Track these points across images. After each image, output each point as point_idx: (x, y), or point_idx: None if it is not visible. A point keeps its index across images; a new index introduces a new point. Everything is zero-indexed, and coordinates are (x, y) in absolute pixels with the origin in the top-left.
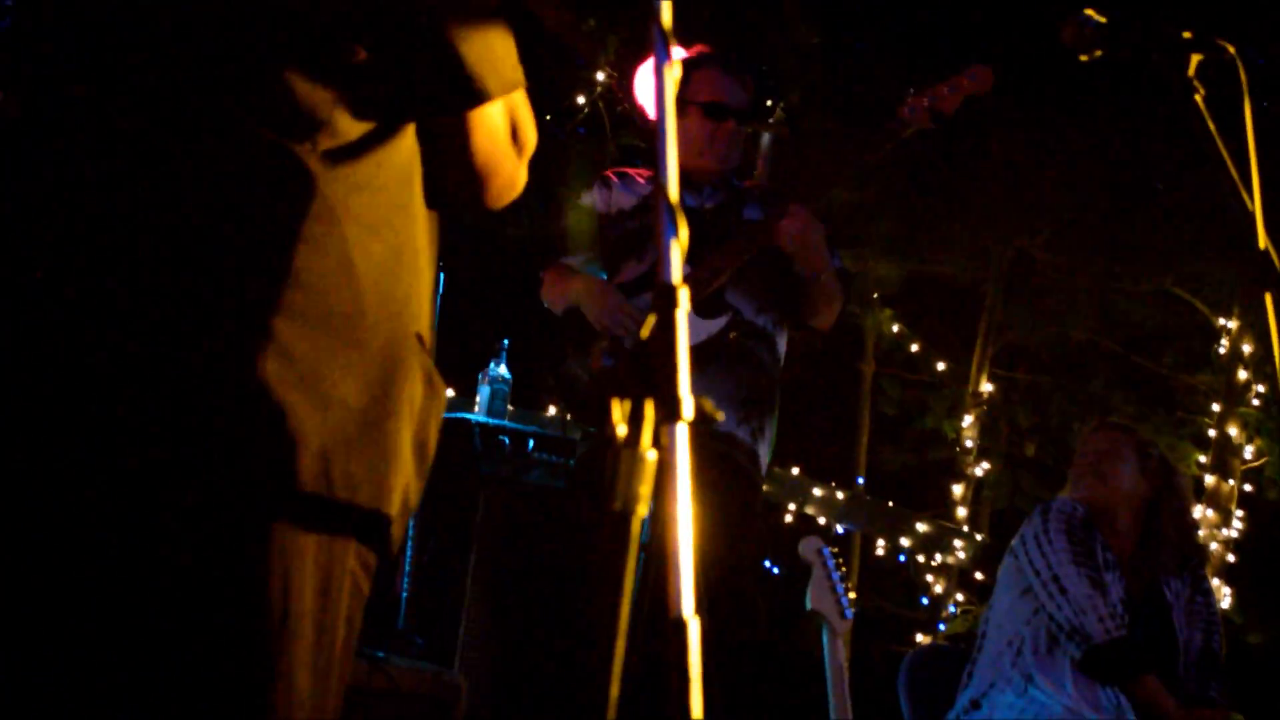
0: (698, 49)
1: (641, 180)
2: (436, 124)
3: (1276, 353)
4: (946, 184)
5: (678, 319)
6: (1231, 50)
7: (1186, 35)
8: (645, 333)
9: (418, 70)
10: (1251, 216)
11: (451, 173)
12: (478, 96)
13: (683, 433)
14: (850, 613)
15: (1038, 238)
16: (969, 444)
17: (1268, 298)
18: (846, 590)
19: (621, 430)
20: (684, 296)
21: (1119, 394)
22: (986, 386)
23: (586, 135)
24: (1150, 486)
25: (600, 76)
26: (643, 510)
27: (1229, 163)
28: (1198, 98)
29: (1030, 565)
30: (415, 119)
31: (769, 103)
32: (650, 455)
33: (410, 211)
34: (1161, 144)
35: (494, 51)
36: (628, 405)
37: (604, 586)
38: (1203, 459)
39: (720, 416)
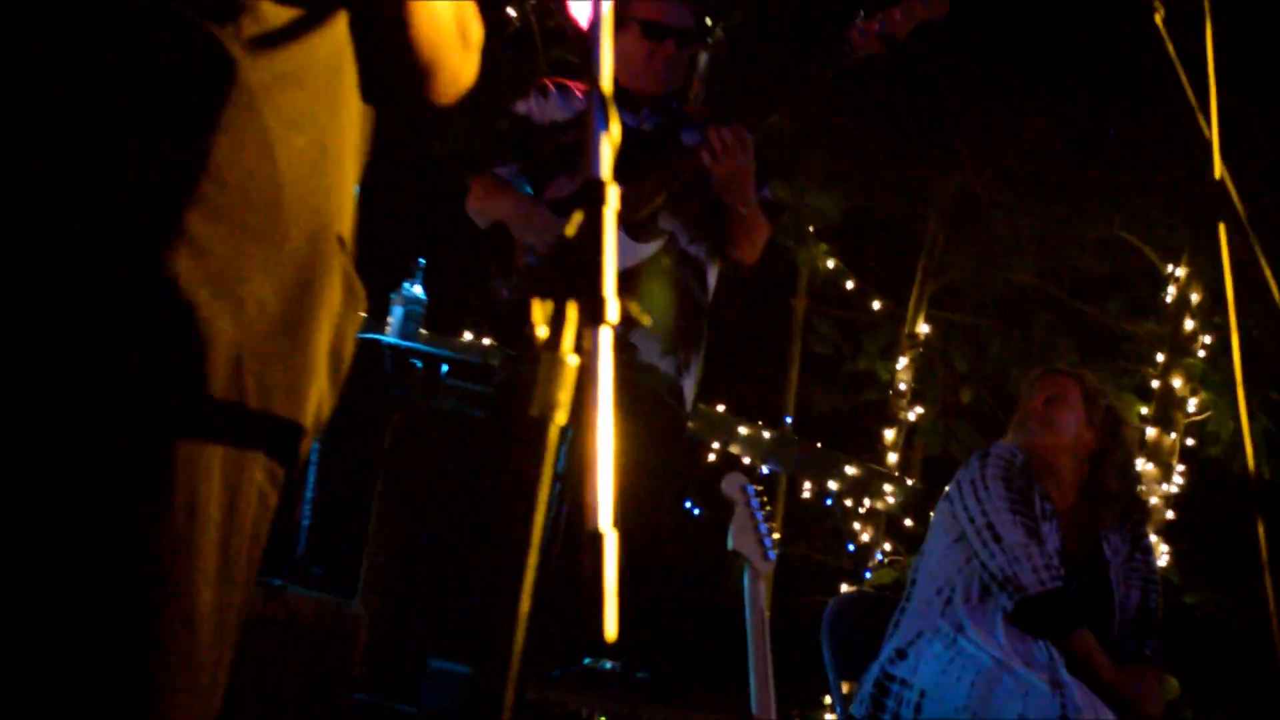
0: None
1: (580, 94)
2: (375, 12)
3: (1228, 287)
4: (889, 114)
5: (605, 216)
6: None
7: None
8: (570, 230)
9: None
10: (1208, 144)
11: (395, 65)
12: None
13: (607, 337)
14: (773, 554)
15: (982, 175)
16: (903, 387)
17: (1221, 228)
18: (770, 530)
19: (542, 332)
20: (613, 194)
21: (1061, 341)
22: (923, 328)
23: (517, 52)
24: (1096, 437)
25: None
26: (561, 418)
27: (1186, 87)
28: (1157, 17)
29: (965, 512)
30: (348, 6)
31: (709, 22)
32: (571, 359)
33: (338, 106)
34: (1115, 78)
35: None
36: (549, 306)
37: (518, 497)
38: (1145, 411)
39: (647, 321)
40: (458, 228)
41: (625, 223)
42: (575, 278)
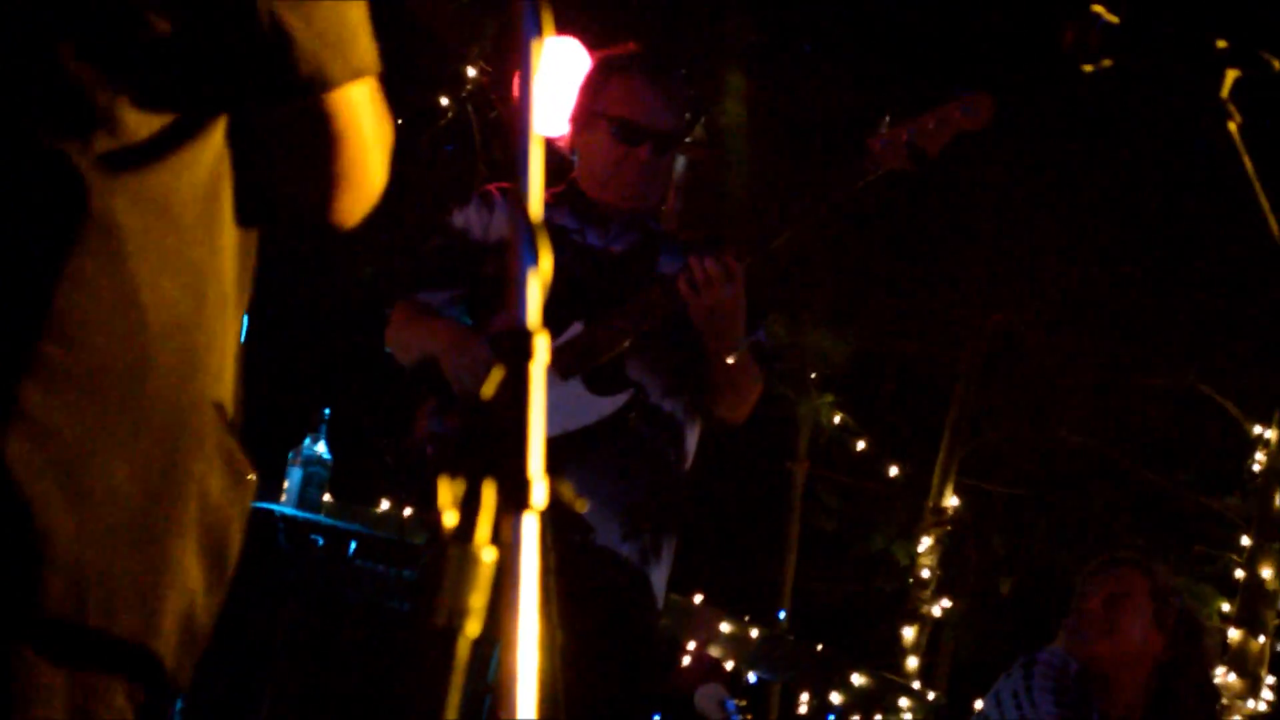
0: (626, 49)
1: None
2: (269, 117)
3: None
4: (911, 238)
5: (532, 374)
6: (1278, 66)
7: (1220, 45)
8: (489, 390)
9: (237, 47)
10: None
11: (295, 179)
12: (317, 82)
13: (531, 525)
14: None
15: (1025, 313)
16: (926, 574)
17: None
18: None
19: (450, 520)
20: (541, 346)
21: (1122, 518)
22: (952, 501)
23: (453, 150)
24: (1166, 645)
25: (470, 72)
26: (473, 628)
27: (1269, 213)
28: (1232, 125)
29: None
30: (229, 111)
31: (688, 116)
32: (486, 555)
33: (216, 238)
34: (1189, 196)
35: (343, 24)
36: (461, 486)
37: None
38: (1227, 608)
39: (582, 507)
40: (372, 369)
41: (584, 371)
42: (493, 451)
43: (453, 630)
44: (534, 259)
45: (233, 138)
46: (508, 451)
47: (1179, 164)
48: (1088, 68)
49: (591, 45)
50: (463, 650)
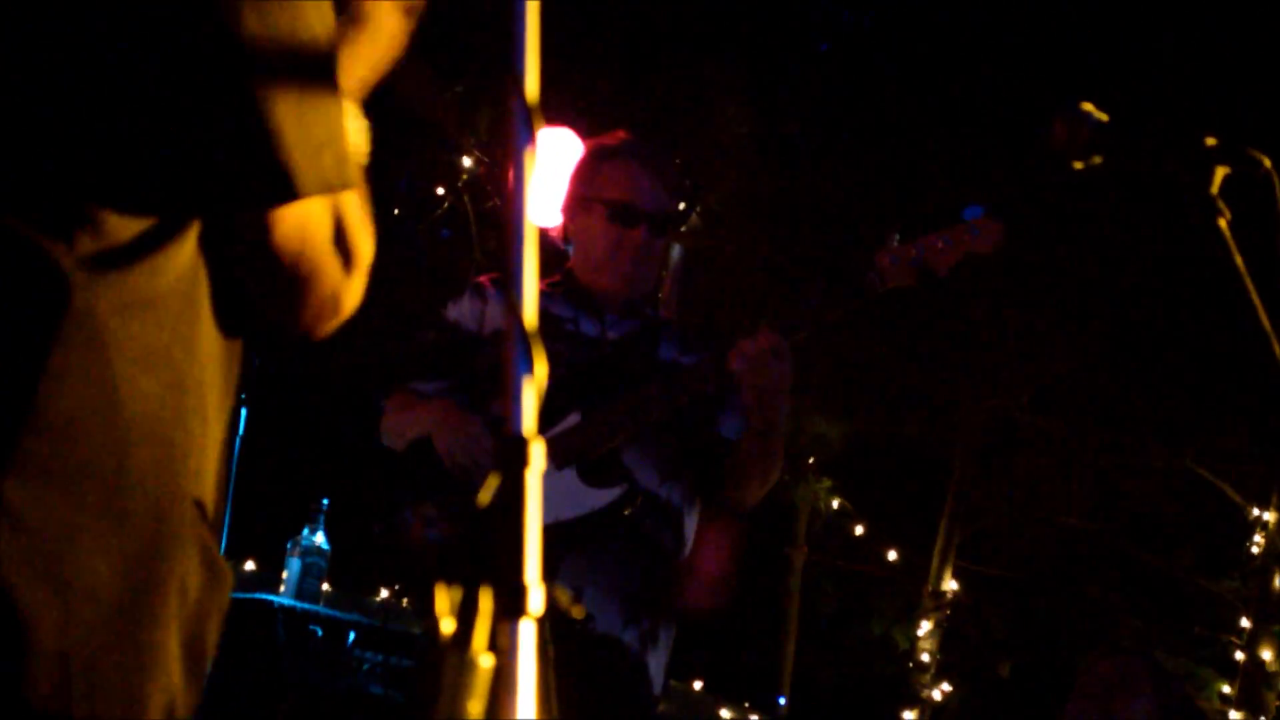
0: (618, 136)
1: None
2: (231, 224)
3: None
4: (908, 323)
5: (528, 482)
6: (1267, 164)
7: (1210, 142)
8: (484, 498)
9: (214, 151)
10: None
11: (255, 285)
12: (283, 192)
13: (528, 632)
14: None
15: (1021, 397)
16: (925, 658)
17: None
18: None
19: (447, 626)
20: (537, 453)
21: (1121, 601)
22: (951, 584)
23: (449, 236)
24: None
25: (466, 162)
26: None
27: (1259, 306)
28: (1222, 222)
29: None
30: (201, 216)
31: (682, 206)
32: (484, 661)
33: (195, 338)
34: (1184, 284)
35: (313, 139)
36: (458, 593)
37: None
38: (1227, 690)
39: (579, 613)
40: (370, 459)
41: (580, 462)
42: (489, 559)
43: None
44: (528, 365)
45: (206, 242)
46: (504, 558)
47: (1173, 252)
48: (1078, 165)
49: (584, 135)
50: None
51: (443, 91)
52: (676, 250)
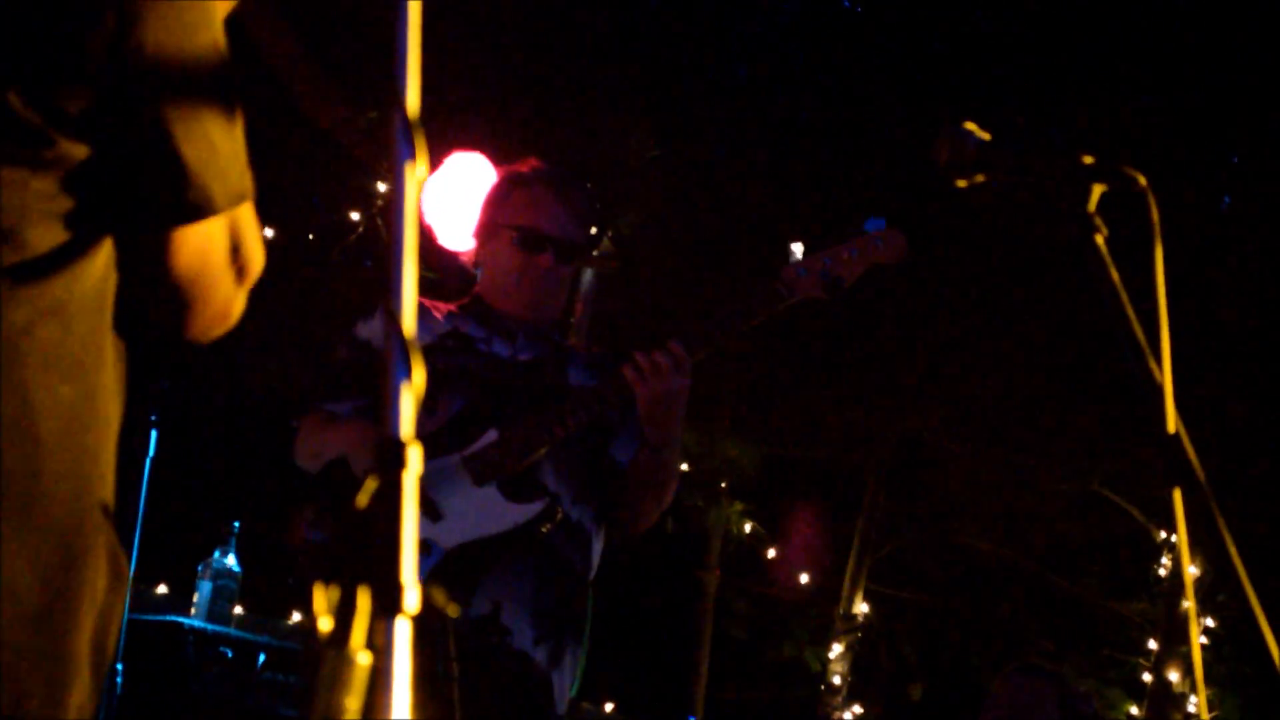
0: (529, 163)
1: (439, 315)
2: (139, 238)
3: (1184, 562)
4: (817, 348)
5: (405, 484)
6: (1143, 182)
7: (1087, 160)
8: (362, 500)
9: (131, 172)
10: (1160, 391)
11: (151, 295)
12: (201, 209)
13: (403, 630)
14: None
15: (930, 421)
16: (837, 680)
17: (1176, 495)
18: None
19: (325, 625)
20: (415, 456)
21: (1031, 623)
22: (862, 607)
23: (369, 265)
24: None
25: (381, 187)
26: None
27: (1133, 322)
28: (1099, 238)
29: None
30: (118, 232)
31: (594, 231)
32: (361, 658)
33: (102, 347)
34: (1090, 307)
35: (221, 153)
36: (336, 592)
37: None
38: (1135, 711)
39: (454, 611)
40: (282, 481)
41: (501, 477)
42: (366, 558)
43: None
44: (406, 371)
45: (117, 254)
46: (381, 558)
47: (1078, 276)
48: (962, 183)
49: (497, 161)
50: None
51: (356, 117)
52: (588, 275)
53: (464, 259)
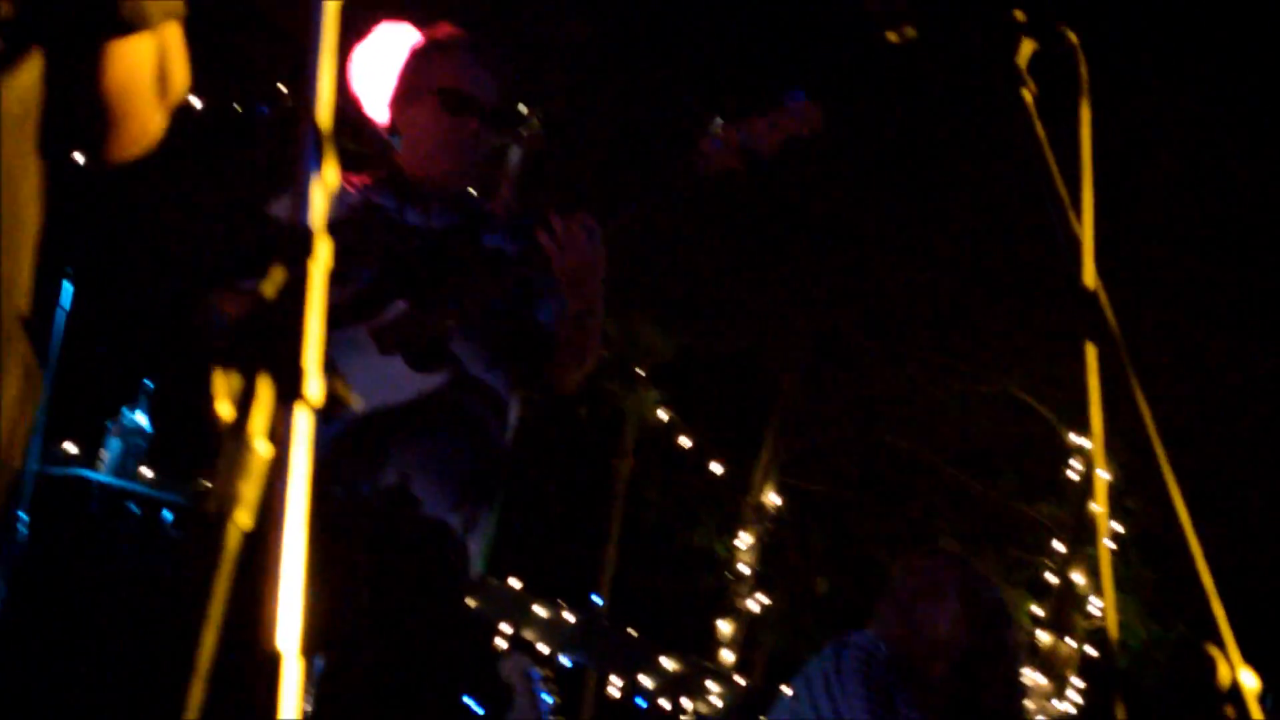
0: (446, 30)
1: (353, 188)
2: (69, 53)
3: (1095, 422)
4: (737, 237)
5: (311, 274)
6: (1073, 39)
7: (1018, 16)
8: (268, 289)
9: None
10: (1078, 244)
11: (77, 111)
12: (133, 23)
13: (304, 418)
14: None
15: (849, 315)
16: (745, 569)
17: (1089, 350)
18: None
19: (225, 411)
20: (322, 249)
21: (940, 522)
22: (773, 499)
23: (282, 139)
24: (974, 637)
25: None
26: (244, 518)
27: (1056, 178)
28: (1026, 92)
29: (814, 712)
30: (47, 46)
31: (523, 109)
32: (260, 446)
33: (27, 159)
34: (1017, 207)
35: None
36: (236, 380)
37: (186, 610)
38: (1039, 611)
39: (355, 403)
40: (193, 346)
41: (406, 347)
42: (269, 346)
43: (223, 517)
44: (317, 163)
45: (47, 69)
46: (284, 346)
47: (1000, 173)
48: (892, 36)
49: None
50: (231, 537)
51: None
52: (515, 154)
53: (380, 129)
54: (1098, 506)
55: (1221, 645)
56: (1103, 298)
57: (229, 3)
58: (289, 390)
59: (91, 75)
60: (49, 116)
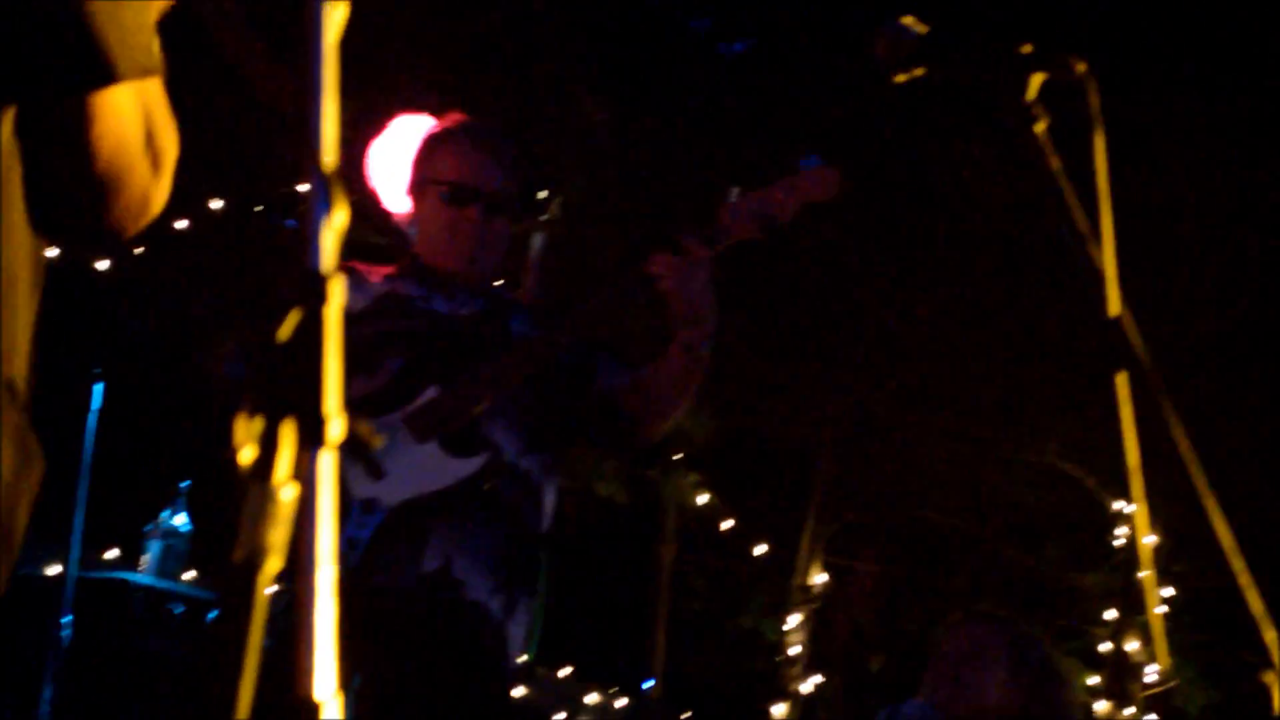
0: (453, 118)
1: (377, 278)
2: (46, 115)
3: (1132, 456)
4: (769, 316)
5: (327, 316)
6: (1082, 68)
7: (1026, 49)
8: (285, 333)
9: (22, 35)
10: (1101, 276)
11: (65, 181)
12: (101, 74)
13: (328, 462)
14: None
15: (884, 390)
16: (795, 651)
17: (1119, 380)
18: None
19: (248, 457)
20: (338, 289)
21: (988, 594)
22: (819, 578)
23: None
24: (1024, 700)
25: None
26: (274, 564)
27: (1075, 208)
28: (1039, 128)
29: None
30: (15, 101)
31: (542, 194)
32: (286, 492)
33: (7, 225)
34: (1046, 271)
35: (124, 24)
36: (258, 425)
37: (221, 665)
38: (1094, 681)
39: (378, 442)
40: (228, 446)
41: (441, 433)
42: (289, 390)
43: (253, 566)
44: (327, 205)
45: (23, 131)
46: (304, 389)
47: (1025, 240)
48: (901, 77)
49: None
50: (261, 585)
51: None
52: (538, 239)
53: (399, 220)
54: (1144, 534)
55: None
56: (1129, 324)
57: (248, 103)
58: (312, 433)
59: (74, 137)
60: (33, 174)
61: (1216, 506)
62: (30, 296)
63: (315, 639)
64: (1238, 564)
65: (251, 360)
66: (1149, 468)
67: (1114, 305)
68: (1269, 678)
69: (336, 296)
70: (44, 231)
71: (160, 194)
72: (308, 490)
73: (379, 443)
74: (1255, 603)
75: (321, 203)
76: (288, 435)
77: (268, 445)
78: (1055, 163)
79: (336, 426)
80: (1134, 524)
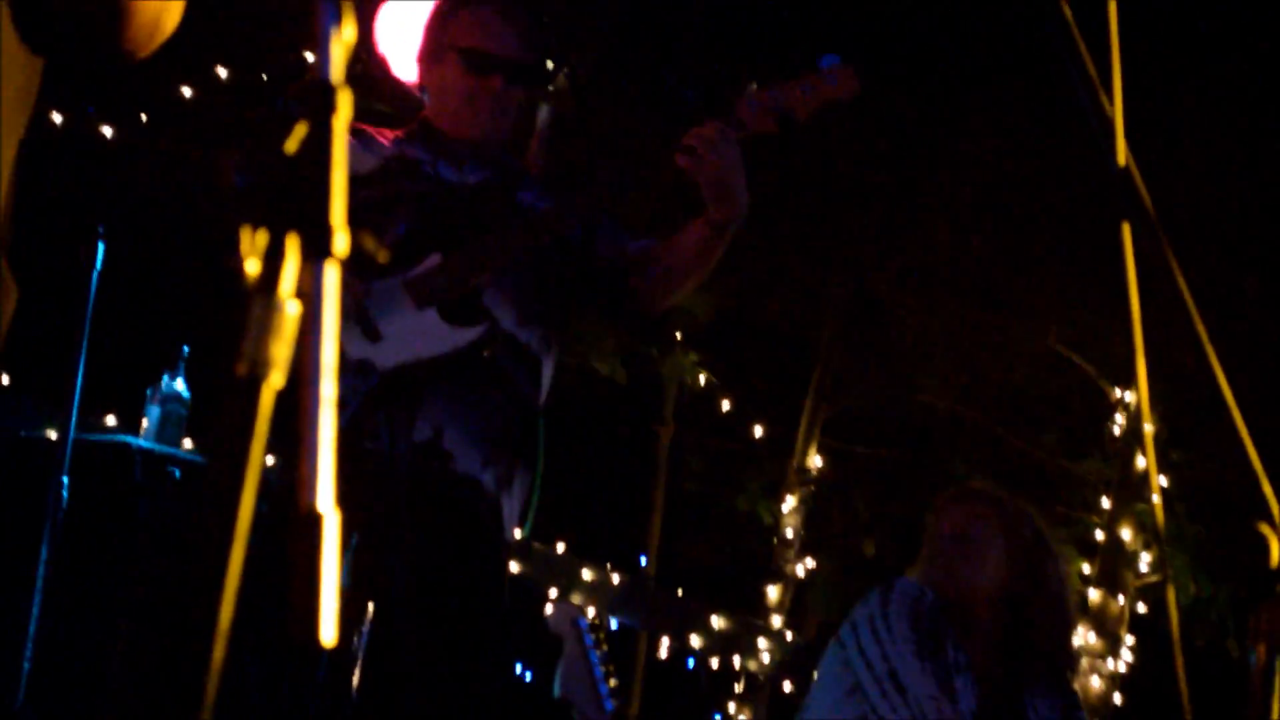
0: None
1: (385, 140)
2: None
3: (1133, 305)
4: (773, 198)
5: (335, 128)
6: None
7: None
8: (292, 145)
9: None
10: (1110, 125)
11: (80, 9)
12: None
13: (332, 274)
14: (611, 703)
15: (887, 274)
16: (790, 534)
17: (1125, 229)
18: (607, 675)
19: (252, 268)
20: (345, 101)
21: (984, 479)
22: (816, 461)
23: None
24: (1016, 575)
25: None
26: (277, 379)
27: (1085, 56)
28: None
29: (861, 656)
30: None
31: (550, 65)
32: (290, 305)
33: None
34: (1050, 156)
35: None
36: (262, 237)
37: (222, 475)
38: (1087, 569)
39: (383, 257)
40: (237, 304)
41: (441, 301)
42: (295, 202)
43: (256, 379)
44: (335, 20)
45: None
46: (310, 201)
47: (1040, 116)
48: None
49: None
50: (265, 398)
51: None
52: (545, 112)
53: (409, 85)
54: (1147, 427)
55: (1274, 525)
56: (1136, 176)
57: None
58: (317, 246)
59: None
60: (28, 7)
61: (1215, 357)
62: (14, 128)
63: (316, 454)
64: (1237, 415)
65: (258, 171)
66: (1151, 365)
67: (1121, 155)
68: (1265, 529)
69: (345, 108)
70: (61, 50)
71: (172, 16)
72: (311, 303)
73: (384, 257)
74: (1253, 455)
75: (331, 15)
76: (293, 248)
77: (272, 258)
78: (1065, 9)
79: (342, 239)
80: (1135, 380)
